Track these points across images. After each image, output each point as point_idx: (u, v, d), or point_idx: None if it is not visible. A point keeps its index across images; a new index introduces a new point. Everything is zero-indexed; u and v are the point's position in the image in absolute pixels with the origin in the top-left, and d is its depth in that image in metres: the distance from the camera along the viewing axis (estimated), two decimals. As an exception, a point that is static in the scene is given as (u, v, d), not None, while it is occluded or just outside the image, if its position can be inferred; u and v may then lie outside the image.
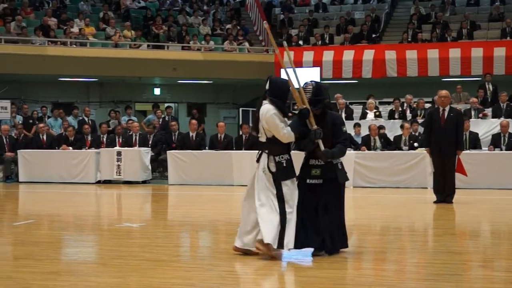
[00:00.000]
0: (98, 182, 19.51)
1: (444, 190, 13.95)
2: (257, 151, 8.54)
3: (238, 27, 29.50)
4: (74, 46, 26.03)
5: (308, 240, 8.40)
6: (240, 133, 20.37)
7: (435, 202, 13.95)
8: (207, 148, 19.78)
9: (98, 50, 26.23)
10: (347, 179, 8.72)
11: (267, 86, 8.46)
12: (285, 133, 8.25)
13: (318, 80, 24.16)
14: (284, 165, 8.33)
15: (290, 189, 8.34)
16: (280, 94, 8.42)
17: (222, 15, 31.35)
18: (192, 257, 8.97)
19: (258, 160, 8.44)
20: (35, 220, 12.26)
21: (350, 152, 17.90)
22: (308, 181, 8.53)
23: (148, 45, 27.15)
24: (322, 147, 8.40)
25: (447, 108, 14.02)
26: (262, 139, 8.42)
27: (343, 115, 21.13)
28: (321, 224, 8.39)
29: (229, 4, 32.97)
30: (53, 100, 27.58)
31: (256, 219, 8.28)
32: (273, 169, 8.28)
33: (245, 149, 19.01)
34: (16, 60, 24.27)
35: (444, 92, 14.20)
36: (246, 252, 8.45)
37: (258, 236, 8.28)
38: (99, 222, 12.60)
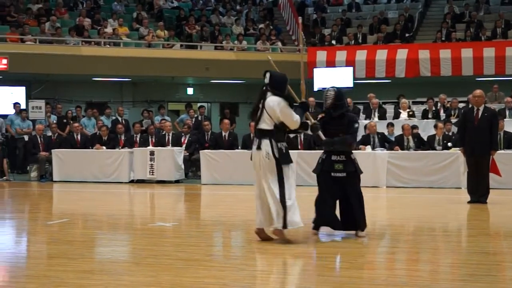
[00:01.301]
0: (132, 181, 19.61)
1: (478, 190, 13.84)
2: (257, 139, 9.42)
3: (271, 27, 29.51)
4: (108, 46, 26.21)
5: (341, 224, 9.84)
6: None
7: (469, 202, 13.85)
8: (239, 147, 19.80)
9: (132, 50, 26.38)
10: (362, 171, 9.93)
11: (267, 80, 9.41)
12: (297, 120, 9.26)
13: (351, 80, 24.45)
14: (284, 151, 9.28)
15: (290, 174, 9.30)
16: (281, 87, 9.40)
17: (255, 15, 31.38)
18: (225, 256, 8.98)
19: (259, 148, 9.31)
20: (69, 219, 12.35)
21: (383, 152, 17.86)
22: (332, 174, 9.76)
23: (181, 45, 27.25)
24: (322, 137, 9.75)
25: (481, 108, 13.90)
26: (267, 127, 9.28)
27: (376, 115, 21.08)
28: (353, 208, 9.71)
29: (262, 4, 33.00)
30: (87, 99, 27.78)
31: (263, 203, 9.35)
32: (277, 155, 9.19)
33: (277, 149, 18.96)
34: (51, 60, 24.48)
35: (478, 91, 14.08)
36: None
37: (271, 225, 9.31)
38: (132, 221, 12.66)
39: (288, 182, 9.20)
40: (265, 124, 9.26)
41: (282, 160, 9.19)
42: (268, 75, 9.42)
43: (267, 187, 9.24)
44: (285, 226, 9.15)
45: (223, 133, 20.01)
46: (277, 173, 9.19)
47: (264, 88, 9.39)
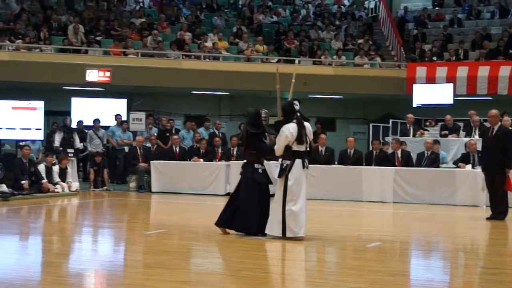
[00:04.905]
0: (228, 194, 19.72)
1: (496, 208, 14.31)
2: (301, 159, 10.68)
3: (370, 42, 29.30)
4: (208, 60, 26.51)
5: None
6: (370, 148, 20.16)
7: (487, 218, 14.26)
8: (336, 163, 19.68)
9: (231, 64, 26.59)
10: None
11: (298, 107, 10.86)
12: None
13: (451, 96, 24.01)
14: None
15: None
16: None
17: (354, 30, 31.23)
18: (319, 272, 8.92)
19: (306, 166, 10.70)
20: (166, 229, 12.51)
21: (478, 171, 17.46)
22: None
23: (279, 60, 27.32)
24: None
25: (496, 127, 14.36)
26: (306, 148, 10.76)
27: (477, 133, 20.57)
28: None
29: (361, 19, 32.81)
30: (186, 112, 28.16)
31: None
32: None
33: (375, 165, 18.81)
34: (152, 73, 24.91)
35: (494, 111, 14.53)
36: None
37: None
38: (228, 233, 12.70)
39: None
40: (306, 146, 10.75)
41: None
42: (298, 103, 10.93)
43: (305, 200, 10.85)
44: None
45: (320, 148, 19.90)
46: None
47: (299, 114, 10.79)
